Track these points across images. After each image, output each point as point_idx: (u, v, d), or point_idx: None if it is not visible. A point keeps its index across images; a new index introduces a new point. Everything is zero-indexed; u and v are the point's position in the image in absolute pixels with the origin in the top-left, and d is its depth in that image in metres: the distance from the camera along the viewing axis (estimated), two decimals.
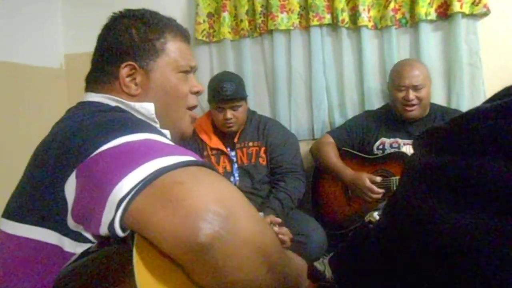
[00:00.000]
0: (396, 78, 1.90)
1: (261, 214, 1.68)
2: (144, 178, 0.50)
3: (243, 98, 1.95)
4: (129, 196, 0.49)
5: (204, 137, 2.02)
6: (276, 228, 1.08)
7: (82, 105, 0.76)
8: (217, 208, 0.48)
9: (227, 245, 0.47)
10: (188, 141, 2.03)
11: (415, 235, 0.38)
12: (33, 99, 2.30)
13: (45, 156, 0.61)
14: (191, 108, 0.86)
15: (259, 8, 2.23)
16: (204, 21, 2.31)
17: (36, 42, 2.39)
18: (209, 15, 2.33)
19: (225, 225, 0.47)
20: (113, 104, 0.74)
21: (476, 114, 0.34)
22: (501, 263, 0.30)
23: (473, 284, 0.32)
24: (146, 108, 0.75)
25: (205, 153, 2.00)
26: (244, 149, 1.98)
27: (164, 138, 0.63)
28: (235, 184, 1.95)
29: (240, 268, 0.50)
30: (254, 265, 0.51)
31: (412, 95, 1.84)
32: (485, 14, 2.02)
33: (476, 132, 0.33)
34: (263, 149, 1.97)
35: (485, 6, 1.99)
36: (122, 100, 0.75)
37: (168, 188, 0.50)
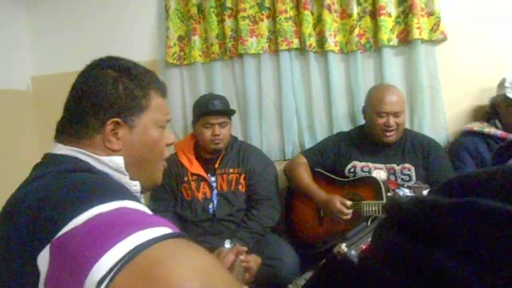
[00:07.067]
0: (376, 104, 1.91)
1: (228, 241, 1.68)
2: (123, 257, 0.51)
3: (231, 114, 2.00)
4: (109, 276, 0.50)
5: (185, 161, 2.01)
6: (242, 257, 1.10)
7: (49, 159, 0.75)
8: (197, 285, 0.50)
9: None
10: (168, 166, 2.02)
11: None
12: (0, 122, 2.25)
13: (15, 224, 0.61)
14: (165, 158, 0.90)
15: (229, 32, 2.28)
16: (174, 44, 2.34)
17: (2, 64, 2.35)
18: (180, 38, 2.36)
19: None
20: (82, 158, 0.74)
21: (436, 207, 0.37)
22: None
23: None
24: (116, 162, 0.76)
25: (185, 178, 1.99)
26: (225, 176, 1.98)
27: (136, 202, 0.63)
28: (213, 211, 1.96)
29: None
30: None
31: (392, 121, 1.88)
32: (442, 40, 2.15)
33: (434, 226, 0.36)
34: (242, 176, 1.98)
35: (442, 33, 2.12)
36: (92, 154, 0.75)
37: (148, 269, 0.51)
